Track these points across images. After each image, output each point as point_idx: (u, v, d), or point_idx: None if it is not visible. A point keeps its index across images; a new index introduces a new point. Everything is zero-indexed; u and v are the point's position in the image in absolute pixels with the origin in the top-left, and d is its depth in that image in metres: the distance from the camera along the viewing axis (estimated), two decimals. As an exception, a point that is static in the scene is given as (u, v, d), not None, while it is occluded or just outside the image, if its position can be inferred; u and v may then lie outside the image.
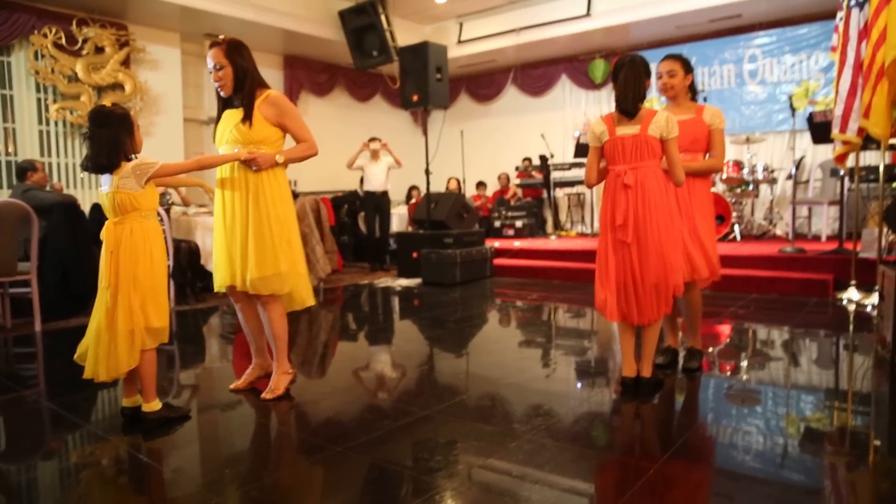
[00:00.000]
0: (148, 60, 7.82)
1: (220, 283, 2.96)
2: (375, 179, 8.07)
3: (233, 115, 2.85)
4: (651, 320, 2.80)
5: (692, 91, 3.18)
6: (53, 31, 6.94)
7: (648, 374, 2.90)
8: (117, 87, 7.47)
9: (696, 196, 3.07)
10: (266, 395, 2.94)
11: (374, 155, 8.06)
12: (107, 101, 2.87)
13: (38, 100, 7.05)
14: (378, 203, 8.14)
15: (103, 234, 2.57)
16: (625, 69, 2.75)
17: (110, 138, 2.51)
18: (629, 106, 2.73)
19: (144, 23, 7.72)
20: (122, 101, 7.39)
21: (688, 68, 3.12)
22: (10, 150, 6.87)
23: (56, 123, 7.17)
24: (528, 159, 10.19)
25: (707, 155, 3.16)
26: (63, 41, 7.01)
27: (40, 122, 7.07)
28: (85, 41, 7.17)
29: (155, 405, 2.65)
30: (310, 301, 3.00)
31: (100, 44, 7.28)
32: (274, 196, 2.84)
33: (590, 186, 2.97)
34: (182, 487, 2.09)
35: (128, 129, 2.57)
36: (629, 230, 2.73)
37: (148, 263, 2.58)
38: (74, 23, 7.07)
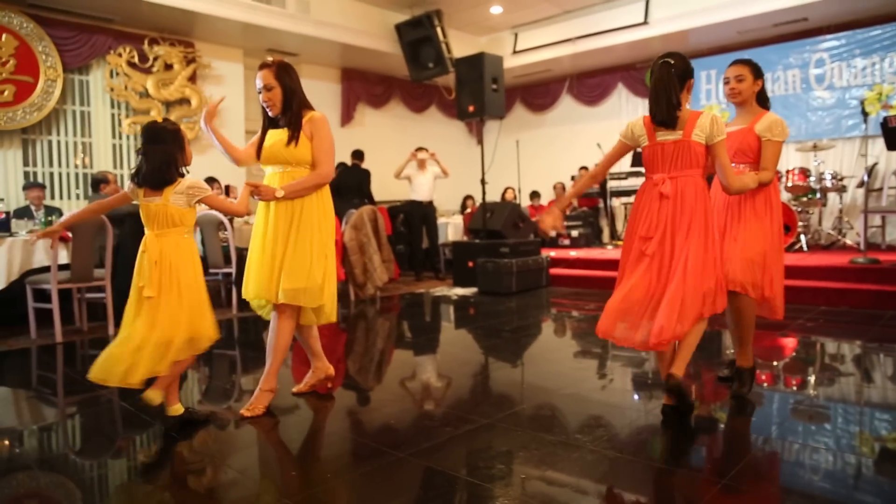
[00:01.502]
0: (212, 76, 8.13)
1: (252, 295, 2.93)
2: (422, 189, 8.14)
3: (277, 135, 2.90)
4: (657, 343, 2.48)
5: (762, 98, 2.98)
6: (127, 50, 7.30)
7: (680, 374, 2.59)
8: (184, 101, 7.79)
9: (748, 204, 2.87)
10: (245, 412, 2.86)
11: (421, 165, 8.14)
12: (158, 118, 2.95)
13: (112, 115, 7.42)
14: (424, 213, 8.20)
15: (146, 245, 2.62)
16: (656, 73, 2.55)
17: (164, 153, 2.59)
18: (663, 116, 2.54)
19: (209, 40, 8.03)
20: (189, 115, 7.71)
21: (757, 73, 2.94)
22: (87, 162, 7.25)
23: (128, 137, 7.52)
24: (584, 168, 10.09)
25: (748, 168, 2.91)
26: (136, 59, 7.37)
27: (113, 136, 7.43)
28: (155, 59, 7.52)
29: (179, 408, 2.73)
30: (333, 317, 3.03)
31: (168, 61, 7.61)
32: (318, 211, 2.90)
33: (594, 179, 2.92)
34: (248, 488, 2.15)
35: (179, 144, 2.66)
36: (654, 242, 2.58)
37: (192, 275, 2.66)
38: (146, 42, 7.43)
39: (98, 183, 5.57)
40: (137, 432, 2.81)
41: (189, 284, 2.63)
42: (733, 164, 2.82)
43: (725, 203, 2.95)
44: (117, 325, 4.88)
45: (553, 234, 2.97)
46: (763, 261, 2.82)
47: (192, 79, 7.87)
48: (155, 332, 2.53)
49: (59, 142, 7.07)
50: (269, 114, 2.93)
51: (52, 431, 2.90)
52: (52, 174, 7.03)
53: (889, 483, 2.12)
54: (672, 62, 2.57)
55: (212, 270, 5.81)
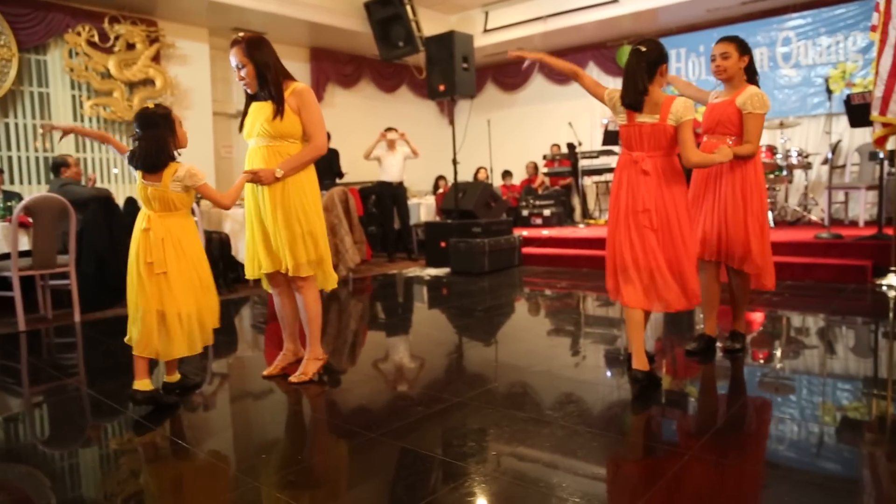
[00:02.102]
0: (177, 56, 7.93)
1: (253, 272, 3.02)
2: (392, 170, 8.09)
3: (261, 108, 2.86)
4: (678, 308, 2.71)
5: (750, 73, 3.07)
6: (87, 29, 7.07)
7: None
8: (148, 82, 7.59)
9: (738, 183, 3.02)
10: (293, 378, 2.99)
11: (391, 145, 8.08)
12: (149, 103, 2.97)
13: (73, 97, 7.20)
14: (395, 193, 8.16)
15: (149, 223, 2.67)
16: (629, 59, 2.68)
17: (156, 138, 2.66)
18: (630, 100, 2.66)
19: (173, 18, 7.82)
20: (154, 97, 7.53)
21: (743, 50, 3.03)
22: (47, 146, 7.04)
23: (90, 119, 7.31)
24: (556, 145, 10.14)
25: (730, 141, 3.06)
26: (96, 39, 7.15)
27: (75, 119, 7.21)
28: (117, 38, 7.30)
29: (177, 376, 2.96)
30: (334, 283, 3.09)
31: (131, 40, 7.40)
32: (302, 187, 2.89)
33: (576, 74, 3.13)
34: (221, 471, 2.14)
35: (171, 128, 2.73)
36: (654, 215, 2.67)
37: (199, 252, 2.79)
38: (107, 20, 7.20)
39: (58, 167, 5.42)
40: (107, 420, 2.76)
41: (200, 259, 2.79)
42: (715, 135, 3.06)
43: (712, 178, 3.10)
44: (84, 311, 4.82)
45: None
46: (759, 238, 3.04)
47: (157, 59, 7.67)
48: (171, 306, 2.66)
49: (16, 125, 6.85)
50: (248, 91, 2.88)
51: (18, 422, 2.84)
52: (10, 158, 6.81)
53: (849, 450, 2.19)
54: (643, 50, 2.66)
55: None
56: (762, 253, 3.06)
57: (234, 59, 2.83)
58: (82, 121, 7.27)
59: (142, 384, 2.71)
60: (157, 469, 2.24)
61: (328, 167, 7.95)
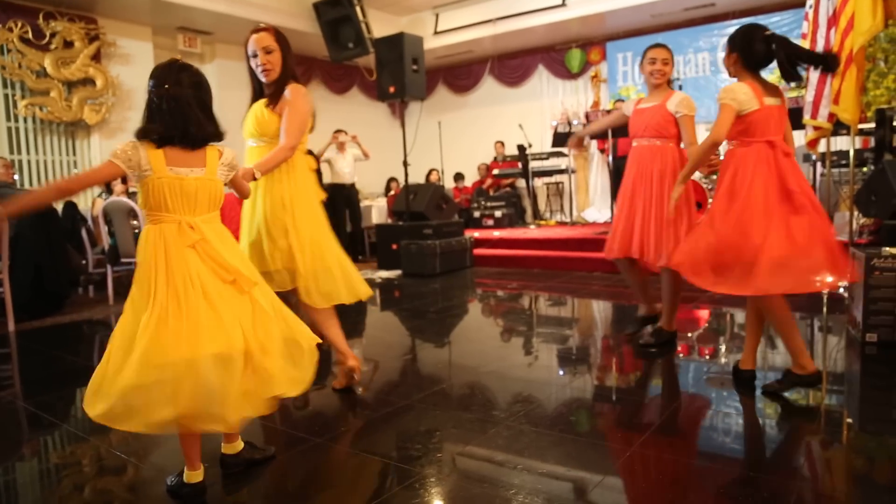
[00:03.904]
0: (119, 55, 7.69)
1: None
2: (343, 172, 8.07)
3: (257, 106, 2.73)
4: (835, 285, 2.71)
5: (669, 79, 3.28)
6: (19, 25, 6.78)
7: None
8: (88, 81, 7.33)
9: (664, 180, 3.18)
10: (336, 384, 2.96)
11: (341, 147, 8.05)
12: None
13: (6, 96, 6.90)
14: (347, 195, 8.12)
15: (197, 233, 1.83)
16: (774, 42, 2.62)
17: (202, 102, 1.90)
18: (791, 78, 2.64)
19: (115, 16, 7.58)
20: (94, 97, 7.29)
21: (673, 57, 3.23)
22: (-22, 148, 6.73)
23: (25, 120, 7.02)
24: (500, 142, 10.33)
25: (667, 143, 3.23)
26: (30, 35, 6.86)
27: (8, 119, 6.92)
28: (53, 35, 7.02)
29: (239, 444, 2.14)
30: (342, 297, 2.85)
31: (68, 38, 7.13)
32: (286, 191, 2.73)
33: (718, 143, 2.69)
34: (162, 484, 2.08)
35: (210, 99, 1.96)
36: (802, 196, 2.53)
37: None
38: (41, 16, 6.92)
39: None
40: (45, 433, 2.66)
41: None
42: (646, 139, 3.17)
43: (640, 173, 3.22)
44: (17, 320, 4.63)
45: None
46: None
47: (97, 57, 7.41)
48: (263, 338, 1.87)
49: (-55, 125, 6.53)
50: (264, 79, 2.71)
51: (-55, 436, 2.70)
52: (-61, 160, 6.48)
53: (787, 439, 2.28)
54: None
55: (123, 260, 5.54)
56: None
57: (257, 44, 2.65)
58: (16, 121, 6.97)
59: (197, 474, 1.95)
60: (95, 483, 2.17)
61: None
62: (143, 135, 1.82)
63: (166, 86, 1.83)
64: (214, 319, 1.77)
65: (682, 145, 3.25)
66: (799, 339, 2.60)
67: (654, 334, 3.40)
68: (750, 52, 2.68)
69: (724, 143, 2.69)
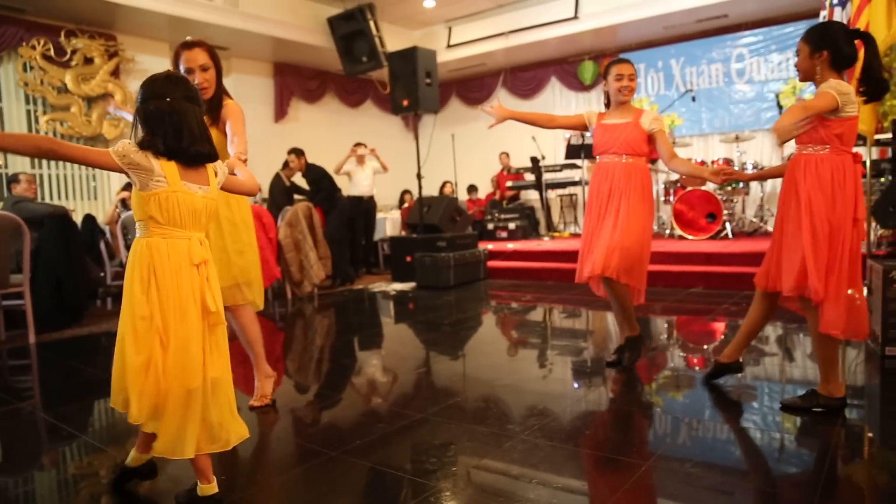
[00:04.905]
0: (137, 70, 7.82)
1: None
2: (362, 184, 8.10)
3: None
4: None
5: None
6: (42, 42, 6.93)
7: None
8: (108, 97, 7.46)
9: (634, 194, 3.15)
10: (254, 402, 2.93)
11: (360, 160, 8.10)
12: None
13: (28, 112, 7.04)
14: (366, 208, 8.17)
15: (205, 252, 1.84)
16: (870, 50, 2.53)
17: (199, 119, 1.85)
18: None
19: (133, 33, 7.72)
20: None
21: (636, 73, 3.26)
22: (1, 162, 6.85)
23: (46, 135, 7.15)
24: (505, 154, 10.37)
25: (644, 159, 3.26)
26: (52, 52, 7.01)
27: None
28: (74, 52, 7.17)
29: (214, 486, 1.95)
30: (260, 305, 2.96)
31: (89, 55, 7.28)
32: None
33: (810, 114, 2.44)
34: (179, 495, 2.10)
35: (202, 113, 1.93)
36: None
37: None
38: (63, 34, 7.07)
39: (8, 184, 5.33)
40: (64, 444, 2.69)
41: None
42: (622, 156, 3.13)
43: (608, 190, 3.17)
44: (38, 332, 4.69)
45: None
46: (639, 251, 3.10)
47: (116, 73, 7.55)
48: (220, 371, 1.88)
49: (-31, 140, 6.65)
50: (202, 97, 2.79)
51: (-33, 448, 2.74)
52: (-38, 175, 6.62)
53: (808, 454, 2.25)
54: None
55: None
56: (645, 268, 3.20)
57: (192, 62, 2.64)
58: (38, 136, 7.09)
59: (211, 487, 1.92)
60: (113, 494, 2.18)
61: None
62: (148, 146, 1.75)
63: (168, 99, 1.78)
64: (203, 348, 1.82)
65: (657, 161, 3.26)
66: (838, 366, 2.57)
67: (627, 347, 3.31)
68: (841, 51, 2.50)
69: (793, 143, 2.59)
